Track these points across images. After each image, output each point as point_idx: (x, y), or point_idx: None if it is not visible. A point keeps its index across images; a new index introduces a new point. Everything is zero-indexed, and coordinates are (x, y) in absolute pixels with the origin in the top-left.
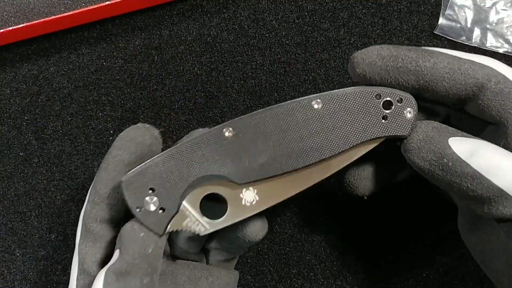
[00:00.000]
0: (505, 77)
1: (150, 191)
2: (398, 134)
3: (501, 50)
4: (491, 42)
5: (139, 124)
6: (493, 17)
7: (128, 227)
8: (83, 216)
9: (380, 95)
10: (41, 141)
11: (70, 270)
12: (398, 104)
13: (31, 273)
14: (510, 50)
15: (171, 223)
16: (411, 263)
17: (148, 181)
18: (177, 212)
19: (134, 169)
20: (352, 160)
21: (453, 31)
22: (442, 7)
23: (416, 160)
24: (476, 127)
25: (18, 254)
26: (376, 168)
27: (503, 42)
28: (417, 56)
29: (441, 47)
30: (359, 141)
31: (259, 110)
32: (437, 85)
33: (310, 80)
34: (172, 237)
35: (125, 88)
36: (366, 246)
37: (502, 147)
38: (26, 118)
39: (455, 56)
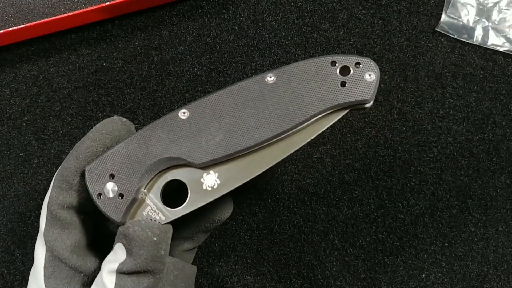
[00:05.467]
0: None
1: (110, 178)
2: (360, 99)
3: (502, 49)
4: (493, 41)
5: (115, 117)
6: (495, 16)
7: (139, 231)
8: (48, 203)
9: (335, 61)
10: (41, 141)
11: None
12: (356, 68)
13: None
14: (511, 49)
15: (131, 212)
16: (411, 263)
17: (108, 168)
18: (135, 198)
19: (98, 157)
20: (316, 134)
21: (454, 28)
22: (445, 4)
23: None
24: None
25: (18, 255)
26: None
27: (505, 41)
28: None
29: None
30: (318, 111)
31: (213, 91)
32: None
33: None
34: None
35: (125, 88)
36: (365, 246)
37: None
38: (26, 118)
39: None
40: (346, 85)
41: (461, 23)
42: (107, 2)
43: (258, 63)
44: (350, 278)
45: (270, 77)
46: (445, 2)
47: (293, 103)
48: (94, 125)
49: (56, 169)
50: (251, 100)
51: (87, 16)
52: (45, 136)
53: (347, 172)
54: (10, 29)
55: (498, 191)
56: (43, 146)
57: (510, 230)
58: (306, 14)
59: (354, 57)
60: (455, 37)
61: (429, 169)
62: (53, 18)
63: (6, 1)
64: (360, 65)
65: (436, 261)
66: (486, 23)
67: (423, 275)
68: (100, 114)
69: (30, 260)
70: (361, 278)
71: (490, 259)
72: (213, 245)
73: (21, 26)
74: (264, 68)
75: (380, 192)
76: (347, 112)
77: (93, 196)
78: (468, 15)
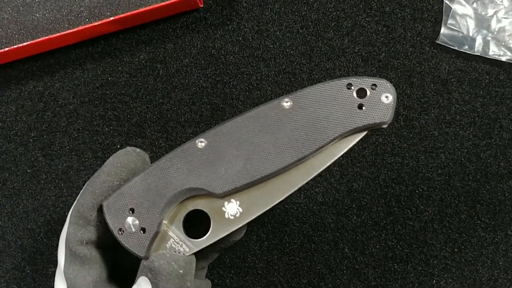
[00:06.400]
0: None
1: (131, 212)
2: (378, 121)
3: (504, 58)
4: (494, 51)
5: (129, 148)
6: (494, 25)
7: (164, 265)
8: (66, 239)
9: (351, 84)
10: (48, 157)
11: None
12: (373, 90)
13: None
14: None
15: (154, 244)
16: (421, 270)
17: (128, 202)
18: (158, 231)
19: (115, 192)
20: (336, 158)
21: (455, 40)
22: (443, 16)
23: None
24: None
25: (28, 271)
26: None
27: (506, 50)
28: None
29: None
30: (336, 135)
31: (230, 118)
32: None
33: None
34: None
35: (131, 102)
36: (375, 254)
37: None
38: (32, 134)
39: None
40: (364, 107)
41: (461, 34)
42: (111, 17)
43: (263, 73)
44: (361, 286)
45: (286, 102)
46: (444, 14)
47: (311, 128)
48: (101, 140)
49: (65, 184)
50: (269, 126)
51: (91, 31)
52: (52, 151)
53: (355, 180)
54: (15, 46)
55: (506, 195)
56: (50, 162)
57: None
58: (310, 23)
59: (370, 79)
60: (456, 48)
61: (437, 175)
62: (57, 34)
63: (10, 18)
64: (377, 87)
65: (446, 266)
66: (486, 33)
67: (434, 281)
68: (107, 129)
69: (41, 276)
70: (371, 286)
71: (500, 263)
72: (224, 256)
73: (26, 43)
74: (270, 78)
75: (388, 199)
76: (366, 134)
77: (114, 231)
78: (467, 26)
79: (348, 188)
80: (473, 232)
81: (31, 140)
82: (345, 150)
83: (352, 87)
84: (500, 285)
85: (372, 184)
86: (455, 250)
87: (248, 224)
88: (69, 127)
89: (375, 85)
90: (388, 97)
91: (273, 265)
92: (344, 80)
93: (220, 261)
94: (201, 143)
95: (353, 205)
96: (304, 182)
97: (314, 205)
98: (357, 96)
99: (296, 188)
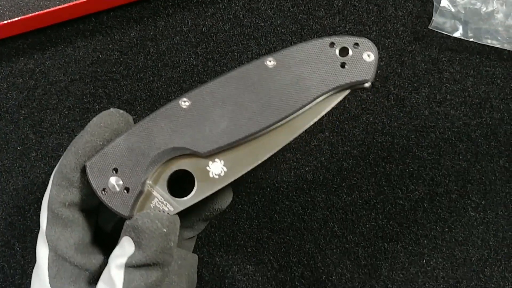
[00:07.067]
0: None
1: (114, 172)
2: (360, 79)
3: (497, 44)
4: (486, 37)
5: (112, 109)
6: (485, 11)
7: (148, 223)
8: (48, 201)
9: (334, 43)
10: (39, 135)
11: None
12: (355, 49)
13: (30, 268)
14: (505, 44)
15: (138, 204)
16: (411, 249)
17: (111, 162)
18: (142, 191)
19: (99, 152)
20: (319, 117)
21: (448, 25)
22: (434, 3)
23: None
24: None
25: (17, 249)
26: None
27: (497, 36)
28: None
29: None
30: (319, 93)
31: (213, 78)
32: None
33: None
34: None
35: (122, 80)
36: (365, 233)
37: None
38: (23, 112)
39: None
40: (346, 66)
41: (453, 20)
42: None
43: (254, 51)
44: (350, 265)
45: (270, 61)
46: (435, 0)
47: (295, 86)
48: (92, 118)
49: (55, 162)
50: (252, 85)
51: (82, 8)
52: (42, 129)
53: (345, 159)
54: (5, 22)
55: (497, 175)
56: (41, 139)
57: (509, 214)
58: (301, 1)
59: (352, 38)
60: (449, 34)
61: (427, 154)
62: (48, 10)
63: None
64: (359, 46)
65: (437, 246)
66: (477, 20)
67: (424, 261)
68: (97, 106)
69: (30, 254)
70: (361, 265)
71: (491, 243)
72: (213, 235)
73: (16, 19)
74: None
75: (379, 178)
76: (349, 93)
77: (97, 191)
78: (458, 12)
79: (338, 167)
80: (464, 211)
81: (21, 117)
82: (328, 109)
83: (335, 46)
84: (490, 265)
85: (362, 163)
86: (446, 229)
87: (232, 184)
88: (60, 105)
89: (357, 44)
90: (370, 56)
91: (263, 244)
92: (327, 38)
93: (209, 239)
94: (184, 102)
95: (343, 184)
96: (288, 141)
97: (304, 183)
98: (340, 55)
99: (280, 147)
